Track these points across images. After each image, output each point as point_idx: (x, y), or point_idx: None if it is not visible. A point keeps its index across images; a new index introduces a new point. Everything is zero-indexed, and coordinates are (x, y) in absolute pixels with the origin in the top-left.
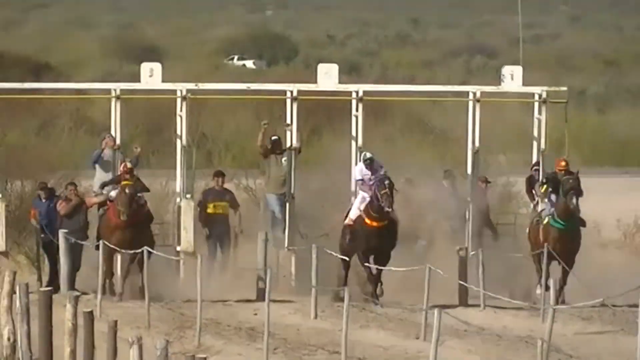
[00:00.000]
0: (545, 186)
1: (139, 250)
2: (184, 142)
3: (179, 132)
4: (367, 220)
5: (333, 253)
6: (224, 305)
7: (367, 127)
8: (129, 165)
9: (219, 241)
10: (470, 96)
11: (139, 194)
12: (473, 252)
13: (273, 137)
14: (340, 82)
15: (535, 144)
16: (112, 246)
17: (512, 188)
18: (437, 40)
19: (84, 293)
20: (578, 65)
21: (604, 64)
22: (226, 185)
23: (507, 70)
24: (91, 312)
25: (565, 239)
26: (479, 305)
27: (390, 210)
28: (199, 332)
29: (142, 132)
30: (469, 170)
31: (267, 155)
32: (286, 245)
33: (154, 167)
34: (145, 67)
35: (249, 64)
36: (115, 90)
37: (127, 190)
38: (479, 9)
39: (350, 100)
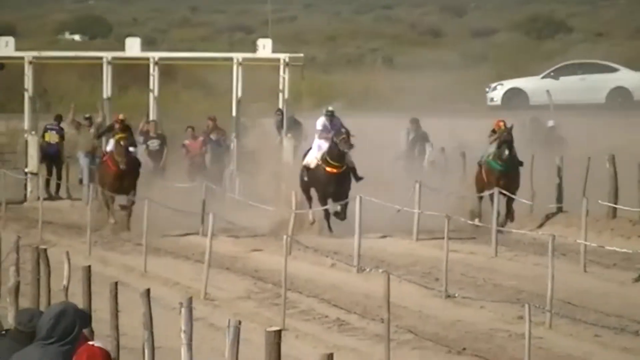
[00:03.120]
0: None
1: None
2: (30, 94)
3: (26, 86)
4: (327, 168)
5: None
6: (58, 210)
7: (161, 84)
8: (121, 116)
9: (54, 163)
10: (235, 61)
11: (130, 148)
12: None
13: (85, 115)
14: (142, 51)
15: (280, 95)
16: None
17: (264, 128)
18: (210, 22)
19: None
20: (309, 40)
21: (327, 38)
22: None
23: (260, 42)
24: None
25: (503, 174)
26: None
27: (347, 151)
28: (41, 230)
29: (1, 87)
30: (234, 114)
31: (78, 128)
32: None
33: (9, 112)
34: (2, 40)
35: (77, 38)
36: None
37: (122, 143)
38: (241, 0)
39: (149, 64)
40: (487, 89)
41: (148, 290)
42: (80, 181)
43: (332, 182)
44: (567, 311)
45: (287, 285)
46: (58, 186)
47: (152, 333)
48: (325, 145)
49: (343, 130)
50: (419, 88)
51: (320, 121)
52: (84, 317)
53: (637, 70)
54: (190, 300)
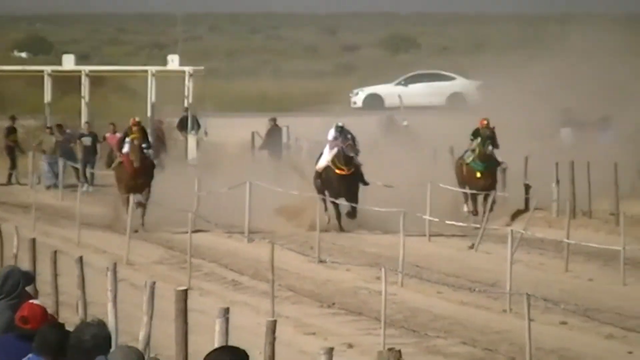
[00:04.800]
0: (472, 137)
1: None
2: None
3: None
4: (337, 170)
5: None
6: (9, 193)
7: (92, 90)
8: (137, 119)
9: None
10: (149, 72)
11: (144, 148)
12: None
13: (58, 123)
14: (75, 65)
15: (186, 100)
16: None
17: (174, 124)
18: (133, 41)
19: None
20: (213, 54)
21: (227, 53)
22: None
23: (170, 57)
24: None
25: (483, 175)
26: None
27: (352, 155)
28: None
29: None
30: (149, 114)
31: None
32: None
33: None
34: None
35: (24, 55)
36: None
37: (135, 142)
38: (158, 23)
39: (81, 75)
40: (351, 94)
41: (81, 257)
42: (39, 179)
43: (342, 183)
44: (415, 272)
45: (192, 253)
46: (10, 175)
47: (84, 291)
48: (334, 150)
49: (349, 136)
50: (301, 92)
51: (331, 133)
52: (28, 277)
53: (470, 79)
54: (115, 265)
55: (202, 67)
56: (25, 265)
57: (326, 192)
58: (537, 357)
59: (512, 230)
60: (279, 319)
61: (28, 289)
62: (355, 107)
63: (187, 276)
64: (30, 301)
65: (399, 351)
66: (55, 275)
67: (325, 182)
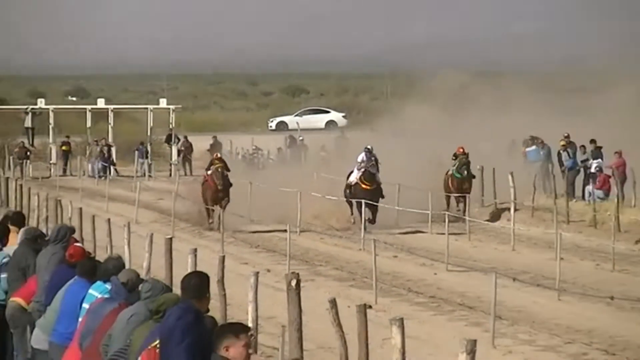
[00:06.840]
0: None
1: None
2: None
3: None
4: (363, 185)
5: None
6: (67, 181)
7: (114, 120)
8: (219, 155)
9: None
10: (149, 109)
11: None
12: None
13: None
14: (105, 104)
15: (170, 125)
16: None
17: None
18: (137, 89)
19: None
20: (186, 97)
21: (193, 97)
22: None
23: (161, 100)
24: None
25: (461, 180)
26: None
27: (374, 172)
28: None
29: None
30: (149, 134)
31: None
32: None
33: None
34: None
35: (74, 99)
36: None
37: (219, 170)
38: (151, 79)
39: (108, 111)
40: (269, 122)
41: (109, 219)
42: (84, 172)
43: (366, 195)
44: (308, 227)
45: (175, 215)
46: (64, 170)
47: (111, 239)
48: (362, 171)
49: (373, 158)
50: (237, 120)
51: (361, 156)
52: (72, 229)
53: (339, 112)
54: (129, 223)
55: (180, 106)
56: (76, 224)
57: (354, 202)
58: (380, 277)
59: (364, 202)
60: (226, 255)
61: (76, 236)
62: (271, 129)
63: (171, 230)
64: (75, 244)
65: (298, 274)
66: (94, 230)
67: (354, 194)
